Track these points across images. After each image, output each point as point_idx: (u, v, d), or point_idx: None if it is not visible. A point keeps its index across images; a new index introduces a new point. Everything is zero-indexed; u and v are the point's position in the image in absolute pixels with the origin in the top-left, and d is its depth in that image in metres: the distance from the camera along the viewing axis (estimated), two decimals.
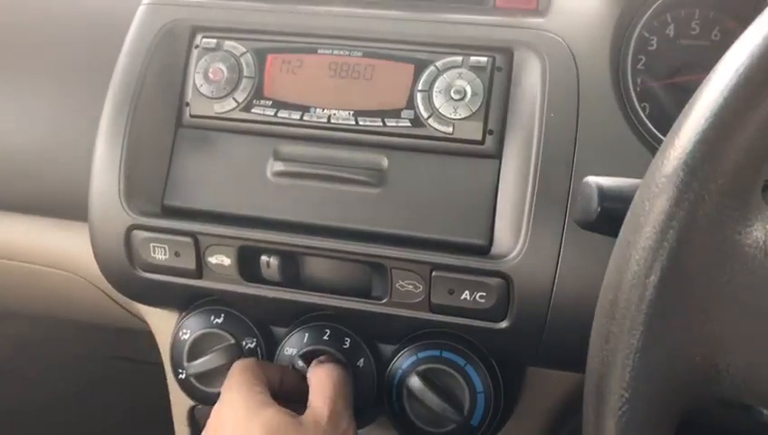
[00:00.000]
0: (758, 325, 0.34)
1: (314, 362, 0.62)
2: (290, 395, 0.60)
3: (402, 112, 0.61)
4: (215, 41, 0.65)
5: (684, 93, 0.62)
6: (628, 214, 0.36)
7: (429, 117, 0.61)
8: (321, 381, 0.58)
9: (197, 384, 0.67)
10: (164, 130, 0.66)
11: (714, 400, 0.36)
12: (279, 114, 0.63)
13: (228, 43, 0.65)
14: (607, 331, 0.35)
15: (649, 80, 0.64)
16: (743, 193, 0.33)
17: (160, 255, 0.63)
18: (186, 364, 0.66)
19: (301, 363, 0.63)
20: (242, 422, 0.53)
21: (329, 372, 0.59)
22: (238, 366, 0.59)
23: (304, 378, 0.61)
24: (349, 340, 0.65)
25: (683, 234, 0.33)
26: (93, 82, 0.69)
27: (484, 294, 0.58)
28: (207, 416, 0.58)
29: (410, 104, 0.61)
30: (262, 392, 0.56)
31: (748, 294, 0.34)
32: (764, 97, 0.32)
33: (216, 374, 0.65)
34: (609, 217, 0.43)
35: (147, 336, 0.80)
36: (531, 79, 0.60)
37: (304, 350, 0.64)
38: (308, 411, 0.56)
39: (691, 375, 0.34)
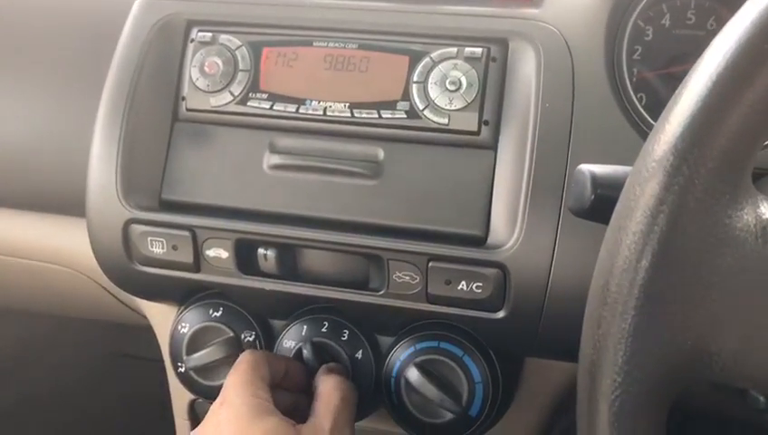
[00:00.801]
0: (749, 309, 0.34)
1: (323, 368, 0.62)
2: (293, 385, 0.61)
3: (398, 104, 0.62)
4: (210, 34, 0.65)
5: (680, 83, 0.62)
6: (620, 199, 0.36)
7: (425, 108, 0.61)
8: (328, 391, 0.58)
9: (197, 378, 0.67)
10: (160, 124, 0.66)
11: (706, 383, 0.36)
12: (275, 107, 0.64)
13: (224, 37, 0.65)
14: (599, 316, 0.35)
15: (646, 70, 0.64)
16: (732, 177, 0.33)
17: (158, 249, 0.63)
18: (185, 358, 0.67)
19: (307, 352, 0.63)
20: (242, 428, 0.53)
21: (337, 384, 0.59)
22: (245, 363, 0.58)
23: (308, 370, 0.62)
24: (347, 332, 0.65)
25: (673, 218, 0.33)
26: (89, 78, 0.69)
27: (480, 284, 0.58)
28: (208, 410, 0.58)
29: (406, 96, 0.61)
30: (265, 399, 0.55)
31: (739, 278, 0.34)
32: (751, 81, 0.32)
33: (216, 367, 0.66)
34: (603, 204, 0.43)
35: (146, 331, 0.80)
36: (526, 69, 0.60)
37: (314, 339, 0.64)
38: (310, 420, 0.56)
39: (683, 359, 0.34)
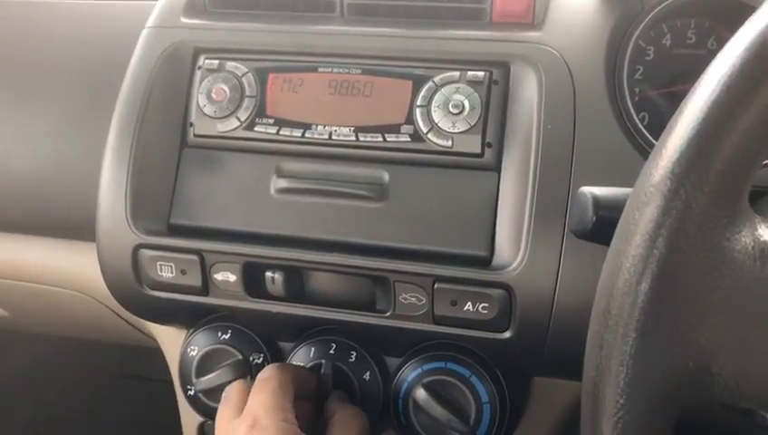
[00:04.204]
0: (749, 330, 0.34)
1: (334, 395, 0.63)
2: (305, 395, 0.61)
3: (402, 127, 0.62)
4: (217, 62, 0.67)
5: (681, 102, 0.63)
6: (619, 223, 0.36)
7: (428, 131, 0.62)
8: (348, 420, 0.59)
9: (206, 400, 0.68)
10: (169, 149, 0.67)
11: (709, 403, 0.36)
12: (281, 132, 0.64)
13: (230, 64, 0.66)
14: (601, 338, 0.35)
15: (647, 89, 0.64)
16: (730, 200, 0.34)
17: (167, 273, 0.64)
18: (194, 380, 0.67)
19: (324, 370, 0.64)
20: None
21: (355, 413, 0.60)
22: (274, 380, 0.58)
23: (321, 383, 0.63)
24: (354, 353, 0.65)
25: (672, 241, 0.33)
26: (99, 105, 0.70)
27: (486, 305, 0.58)
28: None
29: (409, 119, 0.62)
30: (294, 422, 0.55)
31: (738, 300, 0.34)
32: (747, 106, 0.32)
33: (225, 390, 0.66)
34: (605, 226, 0.43)
35: (156, 353, 0.81)
36: (527, 92, 0.60)
37: (333, 363, 0.65)
38: None
39: (684, 380, 0.35)
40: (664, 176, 0.33)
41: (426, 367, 0.63)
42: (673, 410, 0.36)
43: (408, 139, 0.62)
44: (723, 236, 0.34)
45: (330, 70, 0.65)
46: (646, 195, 0.34)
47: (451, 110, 0.61)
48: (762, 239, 0.34)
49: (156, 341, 0.80)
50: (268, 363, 0.67)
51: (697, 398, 0.35)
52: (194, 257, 0.63)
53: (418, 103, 0.62)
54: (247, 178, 0.65)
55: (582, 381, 0.38)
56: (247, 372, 0.67)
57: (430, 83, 0.62)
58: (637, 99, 0.64)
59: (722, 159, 0.33)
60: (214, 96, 0.66)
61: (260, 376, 0.59)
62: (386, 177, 0.62)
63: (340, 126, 0.63)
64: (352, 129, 0.63)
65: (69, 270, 0.80)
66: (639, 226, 0.34)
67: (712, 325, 0.34)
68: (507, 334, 0.59)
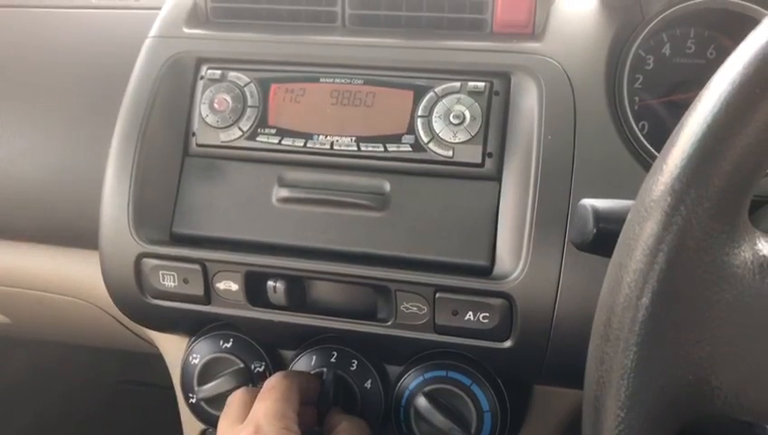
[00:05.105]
0: (748, 344, 0.34)
1: (335, 409, 0.63)
2: (311, 401, 0.62)
3: (403, 137, 0.63)
4: (219, 72, 0.67)
5: (682, 111, 0.63)
6: (620, 237, 0.36)
7: (430, 141, 0.62)
8: (353, 431, 0.59)
9: (208, 408, 0.68)
10: (171, 159, 0.67)
11: (709, 417, 0.36)
12: (283, 142, 0.65)
13: (232, 74, 0.67)
14: (602, 352, 0.36)
15: (647, 98, 0.65)
16: (729, 215, 0.34)
17: (169, 282, 0.64)
18: (196, 389, 0.68)
19: (325, 379, 0.64)
20: None
21: (360, 425, 0.61)
22: (277, 391, 0.58)
23: (323, 391, 0.63)
24: (356, 362, 0.65)
25: (672, 257, 0.33)
26: (102, 114, 0.70)
27: (487, 314, 0.58)
28: None
29: (411, 129, 0.63)
30: (296, 432, 0.55)
31: (738, 314, 0.34)
32: (746, 122, 0.33)
33: (226, 398, 0.66)
34: (605, 238, 0.44)
35: (156, 359, 0.81)
36: (528, 102, 0.61)
37: (335, 371, 0.65)
38: None
39: (685, 394, 0.35)
40: (664, 192, 0.34)
41: (427, 375, 0.63)
42: (673, 423, 0.36)
43: (410, 149, 0.62)
44: (722, 250, 0.34)
45: (331, 80, 0.65)
46: (646, 210, 0.34)
47: (452, 120, 0.62)
48: (761, 254, 0.35)
49: (158, 348, 0.80)
50: (270, 372, 0.67)
51: (698, 411, 0.36)
52: (196, 267, 0.64)
53: (419, 113, 0.62)
54: (249, 187, 0.65)
55: (583, 394, 0.38)
56: (249, 380, 0.67)
57: (431, 94, 0.63)
58: (636, 108, 0.64)
59: (722, 176, 0.33)
60: (216, 106, 0.66)
61: (266, 384, 0.60)
62: (387, 186, 0.63)
63: (341, 136, 0.64)
64: (354, 138, 0.64)
65: (71, 278, 0.80)
66: (640, 240, 0.34)
67: (712, 339, 0.34)
68: (508, 343, 0.59)
